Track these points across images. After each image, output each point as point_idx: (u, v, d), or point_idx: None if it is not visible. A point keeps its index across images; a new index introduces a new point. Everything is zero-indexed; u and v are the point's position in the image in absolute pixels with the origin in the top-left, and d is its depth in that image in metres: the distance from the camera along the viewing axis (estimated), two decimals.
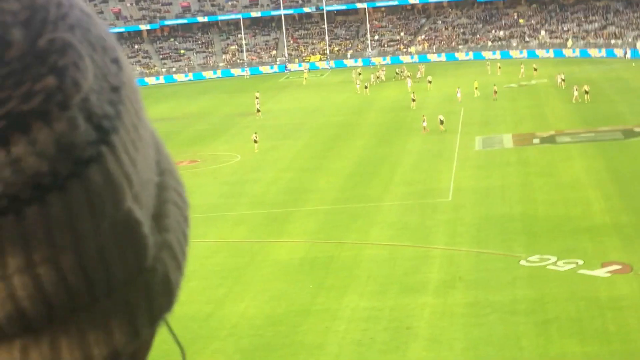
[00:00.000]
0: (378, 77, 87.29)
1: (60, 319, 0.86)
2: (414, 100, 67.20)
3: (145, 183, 0.93)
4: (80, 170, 0.84)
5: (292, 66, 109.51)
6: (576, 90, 63.82)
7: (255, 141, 55.25)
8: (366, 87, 79.87)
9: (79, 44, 0.87)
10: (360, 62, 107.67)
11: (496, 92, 68.77)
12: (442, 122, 55.97)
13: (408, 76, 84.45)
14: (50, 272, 0.84)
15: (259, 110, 71.13)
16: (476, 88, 70.43)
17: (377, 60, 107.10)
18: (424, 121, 56.62)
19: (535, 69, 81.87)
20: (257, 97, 75.07)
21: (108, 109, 0.88)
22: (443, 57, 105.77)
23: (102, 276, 0.88)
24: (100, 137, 0.86)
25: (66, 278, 0.85)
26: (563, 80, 72.71)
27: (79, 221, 0.85)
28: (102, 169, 0.86)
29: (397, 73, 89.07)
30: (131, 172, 0.89)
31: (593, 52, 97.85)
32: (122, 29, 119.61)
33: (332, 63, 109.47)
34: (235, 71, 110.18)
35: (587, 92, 63.22)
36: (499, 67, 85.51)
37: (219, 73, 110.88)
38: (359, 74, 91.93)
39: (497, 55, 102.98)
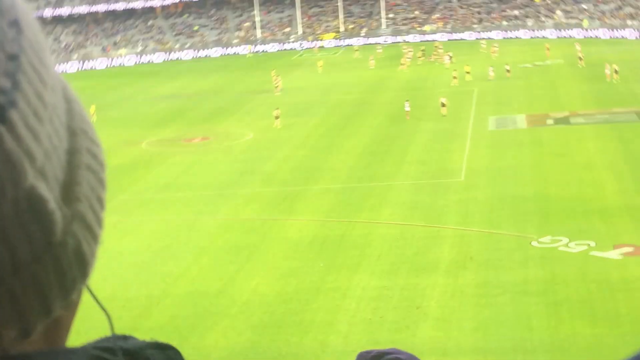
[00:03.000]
0: (421, 56, 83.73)
1: None
2: (455, 77, 66.78)
3: (52, 152, 0.89)
4: None
5: (306, 44, 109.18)
6: (607, 69, 63.51)
7: (277, 117, 55.22)
8: (402, 65, 78.86)
9: None
10: (378, 40, 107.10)
11: (509, 70, 68.43)
12: (443, 105, 54.44)
13: (449, 55, 79.91)
14: None
15: (277, 87, 70.96)
16: (467, 72, 68.26)
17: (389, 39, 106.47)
18: (406, 106, 54.68)
19: (548, 49, 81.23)
20: (276, 75, 74.58)
21: (4, 82, 0.83)
22: (459, 36, 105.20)
23: (6, 256, 0.85)
24: None
25: None
26: (581, 59, 72.39)
27: None
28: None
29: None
30: (33, 146, 0.85)
31: (609, 32, 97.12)
32: (136, 4, 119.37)
33: (345, 41, 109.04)
34: (249, 48, 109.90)
35: (616, 72, 62.91)
36: (496, 48, 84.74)
37: (232, 50, 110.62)
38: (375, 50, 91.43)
39: (513, 34, 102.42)
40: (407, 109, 54.58)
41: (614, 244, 29.05)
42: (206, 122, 59.66)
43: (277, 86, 71.10)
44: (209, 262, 30.40)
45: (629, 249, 28.49)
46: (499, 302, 25.10)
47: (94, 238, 0.95)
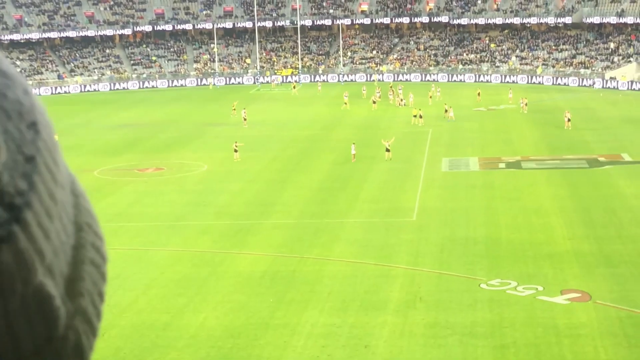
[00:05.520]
0: (402, 100, 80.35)
1: None
2: (420, 117, 67.04)
3: (60, 248, 0.90)
4: None
5: (263, 79, 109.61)
6: (566, 116, 64.50)
7: (236, 150, 54.98)
8: (374, 102, 78.62)
9: None
10: (335, 79, 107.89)
11: (447, 110, 69.61)
12: (388, 150, 53.22)
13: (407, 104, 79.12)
14: None
15: (245, 119, 70.67)
16: (414, 116, 68.03)
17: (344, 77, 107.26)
18: (352, 149, 53.76)
19: (479, 94, 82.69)
20: (238, 108, 74.51)
21: (21, 184, 0.85)
22: (416, 77, 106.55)
23: (9, 348, 0.86)
24: (12, 216, 0.83)
25: None
26: (525, 105, 73.86)
27: None
28: (13, 249, 0.84)
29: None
30: (44, 245, 0.87)
31: (562, 80, 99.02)
32: (94, 33, 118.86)
33: (304, 77, 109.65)
34: (206, 80, 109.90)
35: (569, 120, 64.02)
36: (438, 91, 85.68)
37: (189, 82, 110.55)
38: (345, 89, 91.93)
39: (467, 77, 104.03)
40: (354, 151, 53.72)
41: (561, 289, 29.35)
42: (160, 152, 59.34)
43: (245, 119, 70.86)
44: (158, 294, 30.06)
45: (576, 295, 28.79)
46: (448, 344, 25.15)
47: (93, 332, 0.96)
